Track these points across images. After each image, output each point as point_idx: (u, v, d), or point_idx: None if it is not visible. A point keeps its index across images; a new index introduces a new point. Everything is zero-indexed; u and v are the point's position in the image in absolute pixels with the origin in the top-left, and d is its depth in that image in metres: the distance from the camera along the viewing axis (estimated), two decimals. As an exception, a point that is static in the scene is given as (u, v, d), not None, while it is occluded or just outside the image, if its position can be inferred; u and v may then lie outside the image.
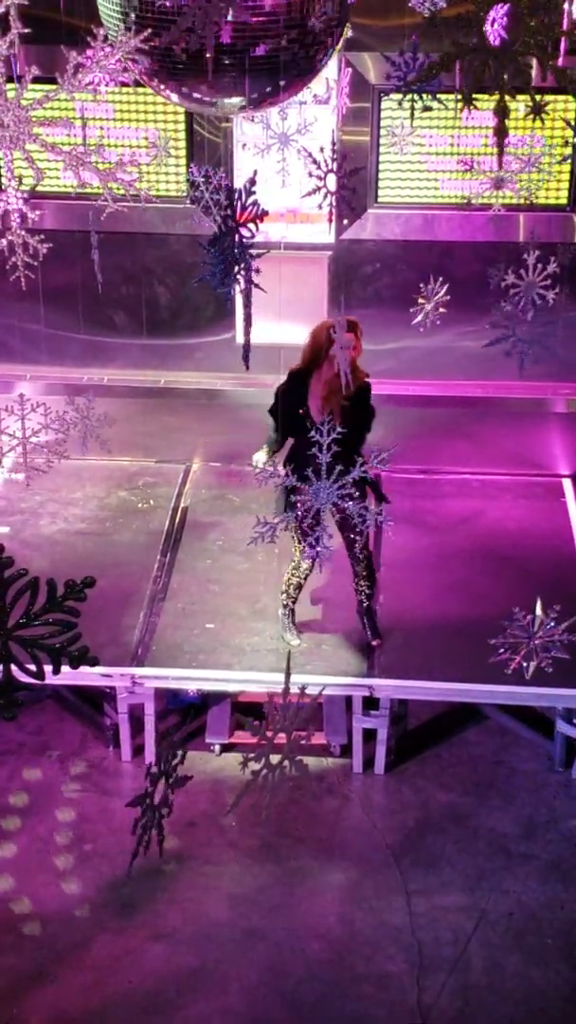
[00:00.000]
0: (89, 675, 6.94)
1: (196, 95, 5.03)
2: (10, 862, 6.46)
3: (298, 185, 6.97)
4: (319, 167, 5.21)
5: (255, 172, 4.34)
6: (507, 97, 4.43)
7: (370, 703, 6.92)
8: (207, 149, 7.97)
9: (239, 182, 4.82)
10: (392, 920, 6.17)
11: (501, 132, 4.52)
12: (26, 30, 4.29)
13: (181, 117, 7.91)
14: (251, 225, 4.31)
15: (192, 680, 7.00)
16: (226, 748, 7.09)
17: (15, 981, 5.85)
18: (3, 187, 4.59)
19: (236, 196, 4.54)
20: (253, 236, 4.37)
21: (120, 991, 5.83)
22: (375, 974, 5.91)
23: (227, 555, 7.91)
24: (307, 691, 4.20)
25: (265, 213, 4.33)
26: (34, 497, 8.24)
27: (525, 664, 4.55)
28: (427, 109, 5.53)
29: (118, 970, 5.93)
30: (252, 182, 4.26)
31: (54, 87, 4.36)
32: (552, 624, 4.46)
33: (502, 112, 4.43)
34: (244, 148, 7.50)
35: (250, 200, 4.24)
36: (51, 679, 7.30)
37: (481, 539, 7.99)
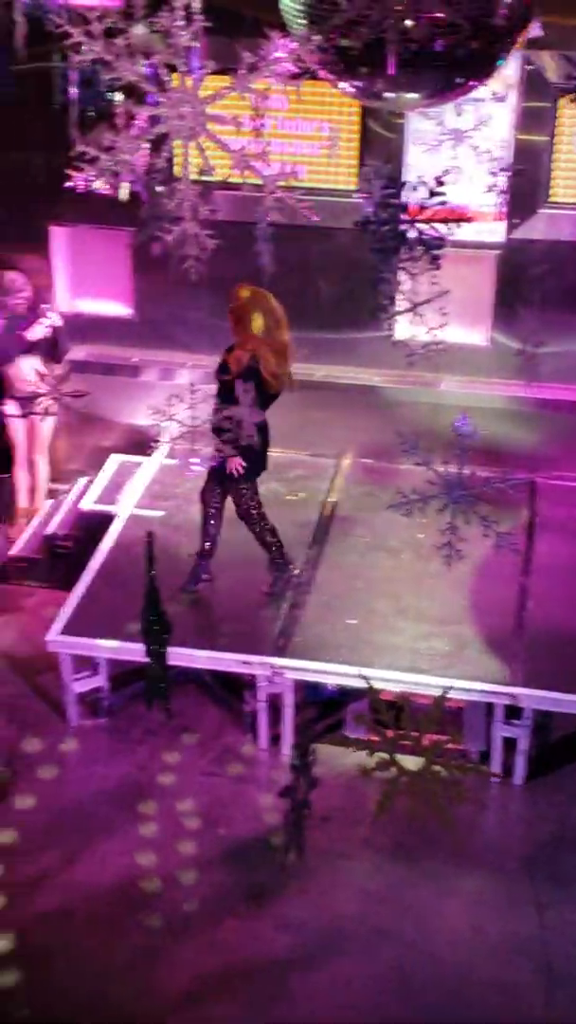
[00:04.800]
0: (231, 662, 7.03)
1: (373, 90, 5.03)
2: (145, 841, 6.57)
3: (468, 182, 6.92)
4: (498, 164, 5.16)
5: (445, 172, 4.30)
6: None
7: (513, 711, 6.81)
8: (379, 144, 7.96)
9: (410, 177, 4.80)
10: (522, 931, 6.08)
11: None
12: (207, 23, 4.35)
13: (355, 111, 7.91)
14: (439, 225, 4.27)
15: (332, 675, 7.00)
16: (363, 745, 7.07)
17: (142, 957, 5.96)
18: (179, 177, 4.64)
19: (409, 189, 4.52)
20: (442, 236, 4.33)
21: (245, 976, 5.89)
22: (502, 983, 5.84)
23: (373, 552, 7.89)
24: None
25: (468, 219, 4.26)
26: (187, 483, 8.36)
27: None
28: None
29: (244, 955, 5.98)
30: (439, 182, 4.23)
31: (228, 82, 4.40)
32: None
33: None
34: (416, 144, 7.47)
35: (436, 200, 4.21)
36: (195, 663, 7.42)
37: None
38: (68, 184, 4.43)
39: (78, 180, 4.38)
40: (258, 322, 6.92)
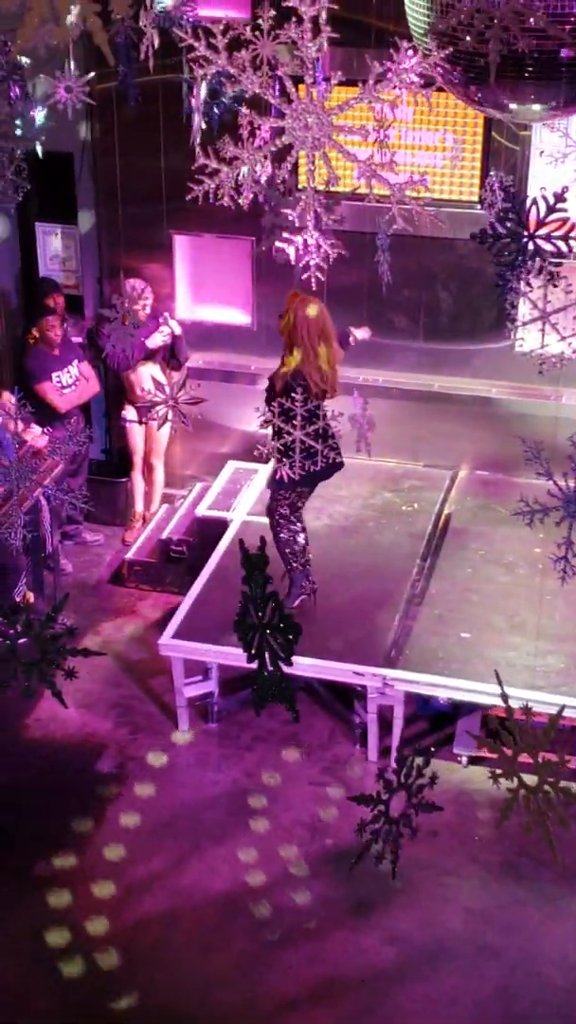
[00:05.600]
0: (342, 671, 7.02)
1: (496, 100, 4.99)
2: (253, 848, 6.59)
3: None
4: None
5: (564, 188, 4.22)
6: None
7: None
8: (503, 155, 7.89)
9: (533, 189, 4.73)
10: (633, 958, 5.96)
11: None
12: (335, 34, 4.34)
13: (479, 122, 7.86)
14: (560, 242, 4.19)
15: (443, 688, 6.94)
16: (474, 760, 7.01)
17: (247, 964, 5.98)
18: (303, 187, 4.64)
19: (529, 204, 4.45)
20: (562, 252, 4.25)
21: (348, 988, 5.87)
22: (611, 1011, 5.73)
23: (488, 565, 7.81)
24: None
25: None
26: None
27: None
28: None
29: (348, 967, 5.96)
30: (559, 197, 4.15)
31: (355, 92, 4.39)
32: None
33: None
34: (541, 155, 7.38)
35: (555, 215, 4.14)
36: (305, 671, 7.40)
37: None
38: (189, 196, 4.47)
39: (198, 192, 4.41)
40: (300, 352, 6.75)
